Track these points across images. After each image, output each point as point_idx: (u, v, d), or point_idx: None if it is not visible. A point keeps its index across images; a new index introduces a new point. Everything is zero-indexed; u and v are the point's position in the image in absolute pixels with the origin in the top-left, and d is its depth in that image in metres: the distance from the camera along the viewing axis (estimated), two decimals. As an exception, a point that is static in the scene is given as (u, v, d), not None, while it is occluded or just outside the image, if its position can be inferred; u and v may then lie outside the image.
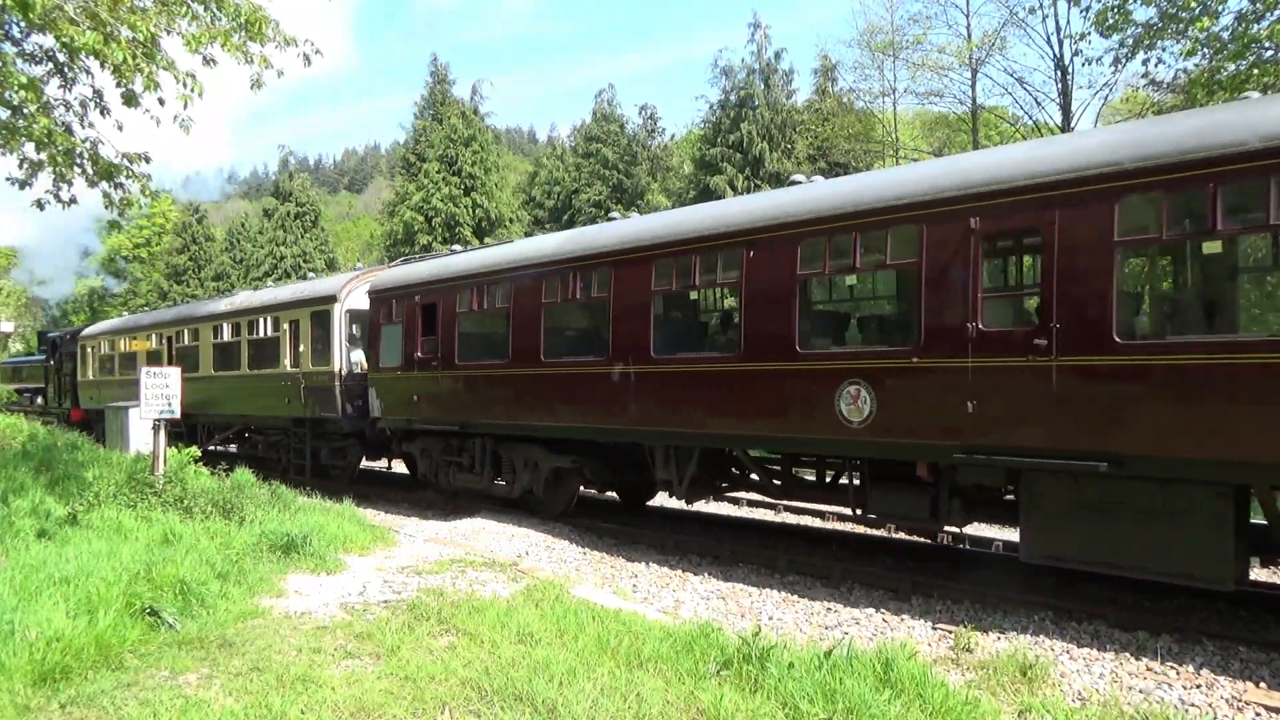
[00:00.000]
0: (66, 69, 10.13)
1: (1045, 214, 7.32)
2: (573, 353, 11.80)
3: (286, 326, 17.19)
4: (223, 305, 20.84)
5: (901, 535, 11.90)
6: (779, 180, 34.60)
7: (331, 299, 16.02)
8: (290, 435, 17.61)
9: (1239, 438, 6.37)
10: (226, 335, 19.50)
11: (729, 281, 9.92)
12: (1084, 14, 18.53)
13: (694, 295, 11.44)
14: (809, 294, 9.53)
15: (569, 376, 11.51)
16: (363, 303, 15.52)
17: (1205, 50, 15.76)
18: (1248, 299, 8.90)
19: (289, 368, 16.90)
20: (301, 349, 16.60)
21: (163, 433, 12.07)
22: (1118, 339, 6.95)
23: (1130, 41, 17.37)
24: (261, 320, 18.20)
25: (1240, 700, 5.91)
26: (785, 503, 13.47)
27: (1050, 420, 7.27)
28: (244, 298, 20.36)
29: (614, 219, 12.60)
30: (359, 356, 15.71)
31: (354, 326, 15.91)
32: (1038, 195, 7.38)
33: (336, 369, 15.64)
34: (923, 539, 11.61)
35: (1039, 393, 7.31)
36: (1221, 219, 6.50)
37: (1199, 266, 8.16)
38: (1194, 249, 7.91)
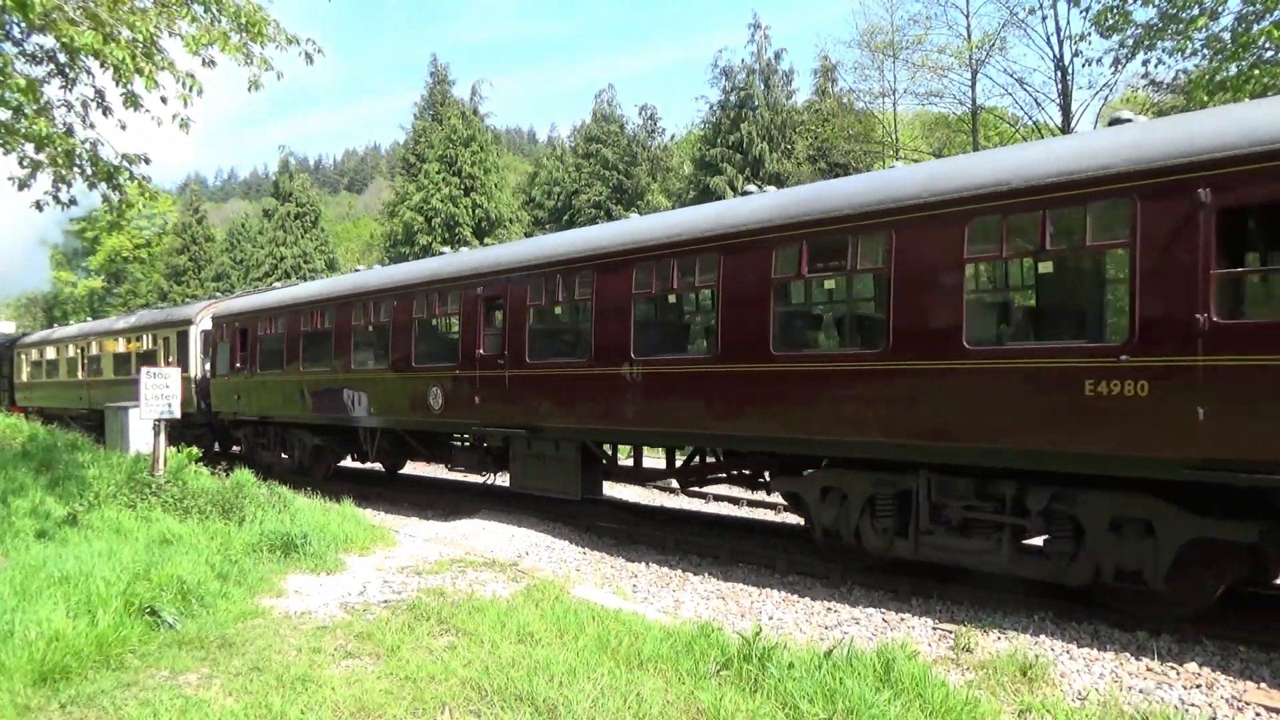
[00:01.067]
0: (67, 69, 10.12)
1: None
2: (313, 363, 16.82)
3: (161, 342, 22.96)
4: (120, 323, 26.79)
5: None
6: (779, 180, 34.63)
7: (189, 322, 21.81)
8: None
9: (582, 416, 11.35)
10: (122, 347, 25.01)
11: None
12: (1084, 14, 18.56)
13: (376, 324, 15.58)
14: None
15: (315, 381, 16.62)
16: (209, 325, 21.28)
17: (1205, 51, 15.76)
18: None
19: None
20: (170, 359, 22.02)
21: (162, 433, 12.07)
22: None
23: (1130, 42, 17.38)
24: (145, 336, 24.01)
25: (1240, 700, 5.91)
26: (786, 502, 13.56)
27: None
28: (134, 318, 26.52)
29: (359, 270, 19.47)
30: (209, 366, 20.98)
31: (205, 343, 21.38)
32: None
33: (193, 374, 20.99)
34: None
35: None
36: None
37: None
38: None
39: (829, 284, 9.62)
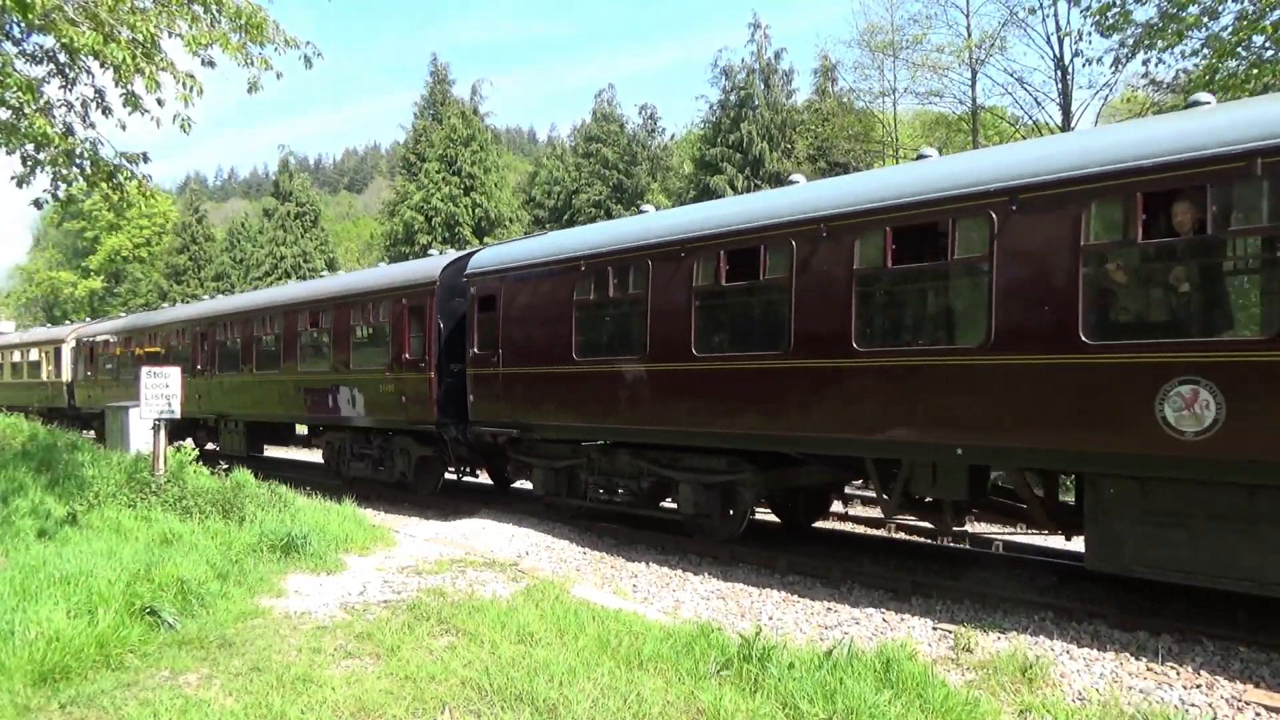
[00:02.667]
0: (67, 69, 10.13)
1: None
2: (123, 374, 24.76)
3: (43, 354, 31.35)
4: (19, 338, 35.50)
5: (901, 535, 11.90)
6: (779, 180, 34.61)
7: (62, 340, 30.03)
8: (50, 415, 30.29)
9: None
10: (17, 358, 33.48)
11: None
12: (1084, 14, 18.53)
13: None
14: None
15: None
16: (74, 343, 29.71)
17: (1206, 50, 15.75)
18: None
19: (45, 378, 31.08)
20: (50, 366, 30.61)
21: (163, 432, 12.07)
22: None
23: (1130, 41, 17.36)
24: (34, 350, 32.35)
25: (1240, 700, 5.91)
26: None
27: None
28: (29, 334, 35.71)
29: (180, 304, 30.04)
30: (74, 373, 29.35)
31: (74, 356, 29.39)
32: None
33: (64, 379, 29.59)
34: (922, 539, 11.63)
35: None
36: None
37: None
38: None
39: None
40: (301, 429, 21.93)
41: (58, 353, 30.08)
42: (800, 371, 8.97)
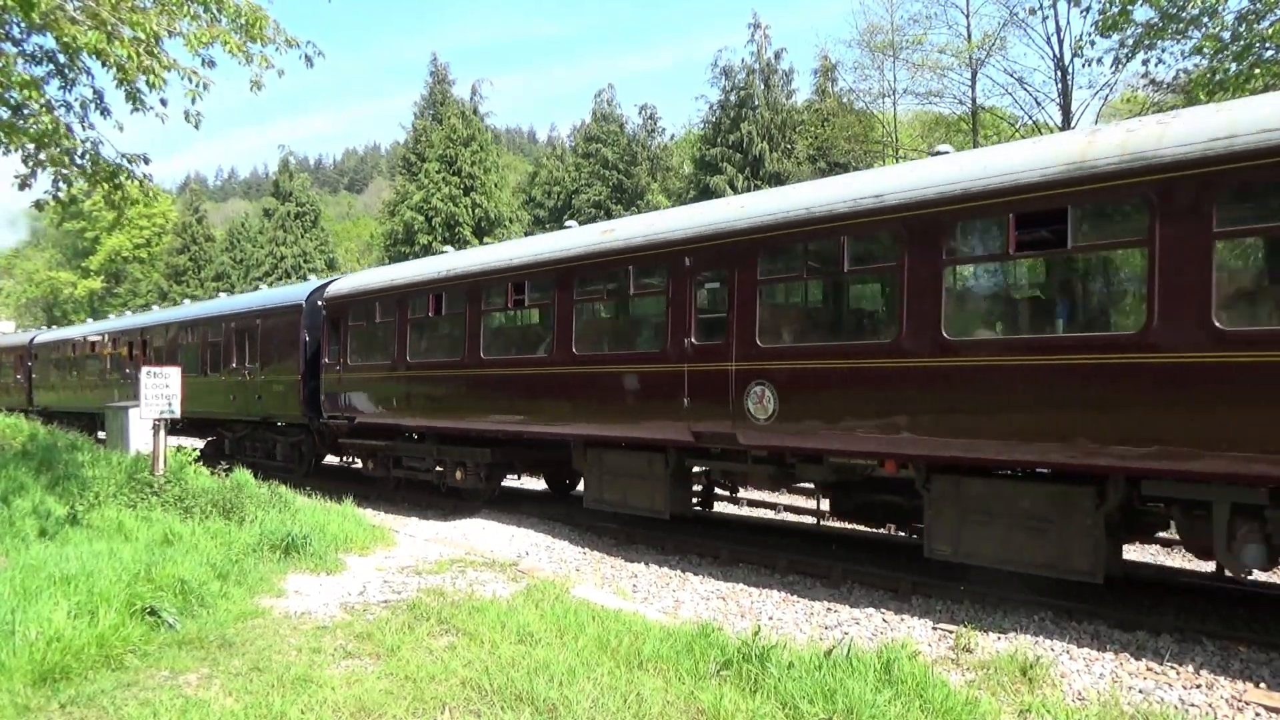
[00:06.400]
0: (67, 69, 10.13)
1: None
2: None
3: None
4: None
5: (902, 535, 11.89)
6: (779, 180, 34.60)
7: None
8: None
9: None
10: None
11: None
12: (1084, 14, 18.53)
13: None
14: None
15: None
16: None
17: (1206, 50, 15.74)
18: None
19: None
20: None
21: (163, 433, 12.07)
22: None
23: (1130, 42, 17.35)
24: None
25: (1240, 700, 5.91)
26: (785, 502, 13.84)
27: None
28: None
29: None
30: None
31: None
32: None
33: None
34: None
35: None
36: None
37: None
38: None
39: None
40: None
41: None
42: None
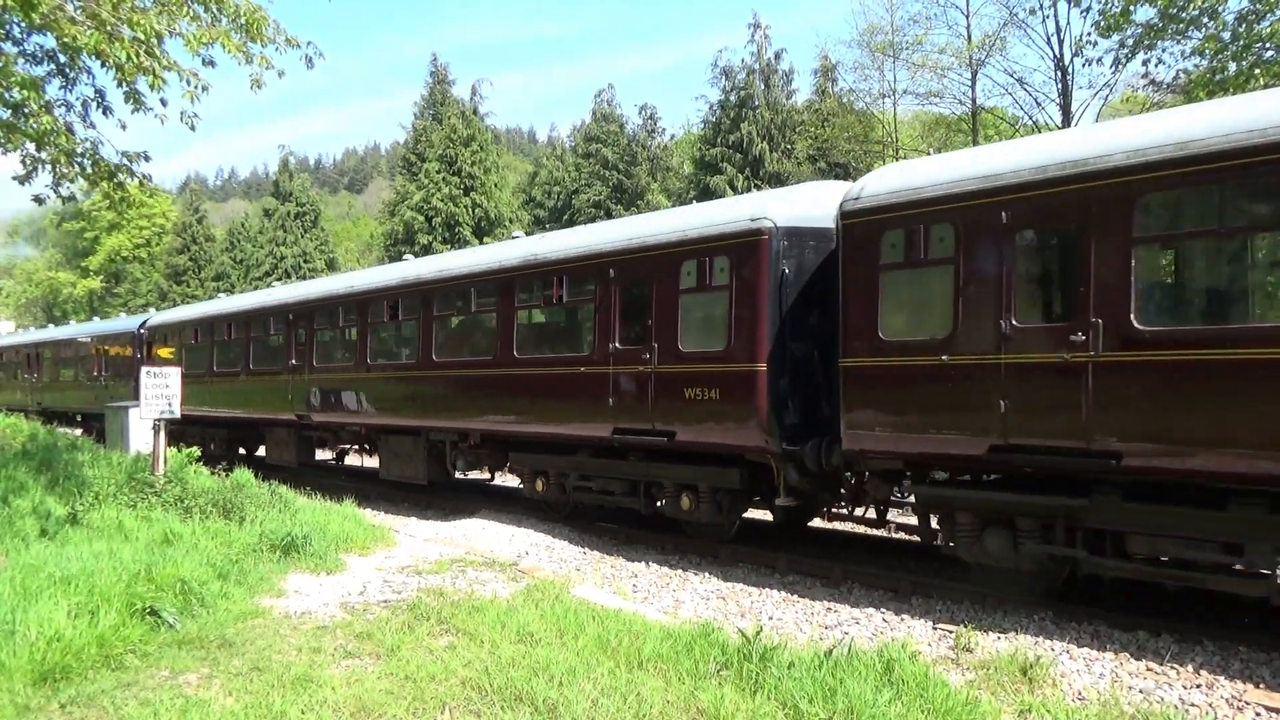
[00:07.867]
0: (67, 69, 10.13)
1: None
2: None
3: None
4: None
5: (902, 535, 11.89)
6: (779, 180, 34.59)
7: None
8: None
9: None
10: None
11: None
12: (1084, 14, 18.53)
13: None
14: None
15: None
16: None
17: (1206, 51, 15.75)
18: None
19: None
20: None
21: (162, 432, 12.07)
22: None
23: (1130, 42, 17.34)
24: None
25: (1240, 700, 5.91)
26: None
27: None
28: None
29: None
30: None
31: None
32: None
33: None
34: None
35: None
36: None
37: None
38: None
39: None
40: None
41: None
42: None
